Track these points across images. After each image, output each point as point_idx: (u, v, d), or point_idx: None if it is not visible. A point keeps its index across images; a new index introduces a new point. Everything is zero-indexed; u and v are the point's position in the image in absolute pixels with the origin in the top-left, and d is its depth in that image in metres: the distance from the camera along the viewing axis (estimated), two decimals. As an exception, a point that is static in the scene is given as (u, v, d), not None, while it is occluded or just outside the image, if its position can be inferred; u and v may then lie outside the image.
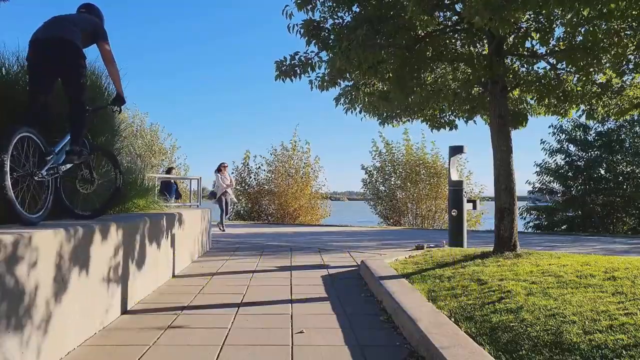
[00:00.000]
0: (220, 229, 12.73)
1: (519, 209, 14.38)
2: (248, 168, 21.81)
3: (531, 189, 19.89)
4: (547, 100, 6.98)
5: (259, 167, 21.76)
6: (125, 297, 4.33)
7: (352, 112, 7.58)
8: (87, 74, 4.30)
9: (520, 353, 2.90)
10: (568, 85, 6.71)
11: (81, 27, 4.14)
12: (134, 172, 6.55)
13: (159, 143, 23.79)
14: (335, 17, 6.55)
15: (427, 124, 7.79)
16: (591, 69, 6.01)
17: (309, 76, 6.60)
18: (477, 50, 6.81)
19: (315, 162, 21.67)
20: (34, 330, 2.83)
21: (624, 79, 6.46)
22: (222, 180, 13.12)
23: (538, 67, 6.99)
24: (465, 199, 8.48)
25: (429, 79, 7.11)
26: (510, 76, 6.78)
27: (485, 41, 6.58)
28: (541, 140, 18.92)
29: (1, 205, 3.17)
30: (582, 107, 7.11)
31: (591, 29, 5.60)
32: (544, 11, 5.33)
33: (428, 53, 6.54)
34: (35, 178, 3.57)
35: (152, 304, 4.66)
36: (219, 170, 13.31)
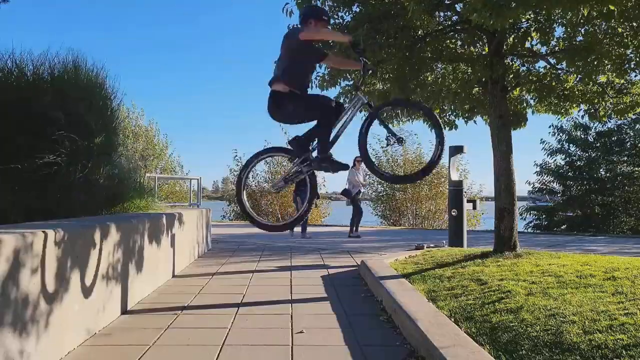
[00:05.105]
0: (351, 234, 11.32)
1: (519, 209, 14.35)
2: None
3: (531, 189, 19.87)
4: (547, 100, 6.98)
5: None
6: (125, 297, 4.32)
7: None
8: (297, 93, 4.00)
9: (520, 353, 2.90)
10: (568, 84, 6.71)
11: (279, 62, 4.10)
12: (134, 173, 6.56)
13: (158, 140, 23.79)
14: (336, 17, 6.55)
15: (427, 123, 7.79)
16: (592, 69, 6.00)
17: (309, 76, 6.60)
18: (477, 50, 6.81)
19: None
20: (34, 330, 2.83)
21: (628, 77, 6.45)
22: (356, 177, 11.37)
23: (539, 67, 6.99)
24: (465, 199, 8.48)
25: (429, 79, 7.10)
26: (510, 76, 6.77)
27: (485, 41, 6.57)
28: (541, 140, 18.92)
29: None
30: (583, 106, 7.11)
31: (591, 29, 5.60)
32: (543, 11, 5.33)
33: (428, 53, 6.53)
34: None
35: (152, 303, 4.65)
36: (353, 164, 10.99)
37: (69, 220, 4.11)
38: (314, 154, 4.09)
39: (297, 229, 11.35)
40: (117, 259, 4.13)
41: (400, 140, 4.03)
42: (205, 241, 8.49)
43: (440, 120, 3.99)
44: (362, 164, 10.77)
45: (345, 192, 11.61)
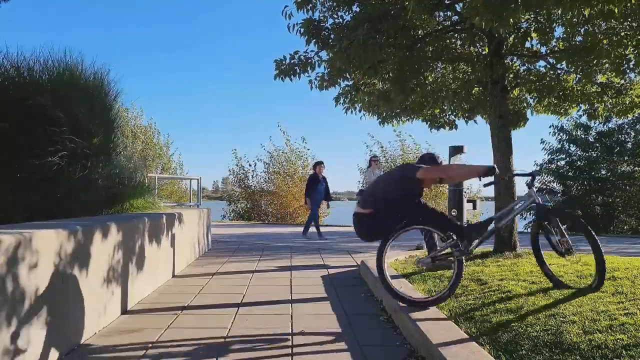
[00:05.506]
0: None
1: (519, 209, 14.29)
2: (244, 170, 21.82)
3: (531, 188, 19.83)
4: (547, 100, 6.98)
5: (254, 164, 21.76)
6: (125, 297, 4.32)
7: (352, 111, 7.59)
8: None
9: (520, 353, 2.90)
10: (568, 84, 6.71)
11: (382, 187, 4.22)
12: (134, 173, 6.56)
13: (157, 140, 23.79)
14: (335, 16, 6.56)
15: (427, 123, 7.80)
16: (591, 69, 6.00)
17: (309, 76, 6.61)
18: (477, 50, 6.81)
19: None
20: (34, 330, 2.83)
21: (628, 77, 6.45)
22: (373, 177, 10.78)
23: (538, 66, 7.00)
24: (465, 199, 8.46)
25: (429, 78, 7.11)
26: (510, 76, 6.78)
27: (485, 41, 6.57)
28: (541, 140, 18.89)
29: None
30: (583, 106, 7.11)
31: (590, 29, 5.59)
32: (543, 11, 5.33)
33: (428, 53, 6.54)
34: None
35: (152, 304, 4.65)
36: (369, 165, 11.21)
37: (69, 220, 4.11)
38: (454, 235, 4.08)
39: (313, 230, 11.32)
40: (117, 259, 4.13)
41: (566, 253, 4.04)
42: (205, 241, 8.49)
43: (602, 250, 3.80)
44: (378, 164, 11.22)
45: (362, 193, 11.51)
